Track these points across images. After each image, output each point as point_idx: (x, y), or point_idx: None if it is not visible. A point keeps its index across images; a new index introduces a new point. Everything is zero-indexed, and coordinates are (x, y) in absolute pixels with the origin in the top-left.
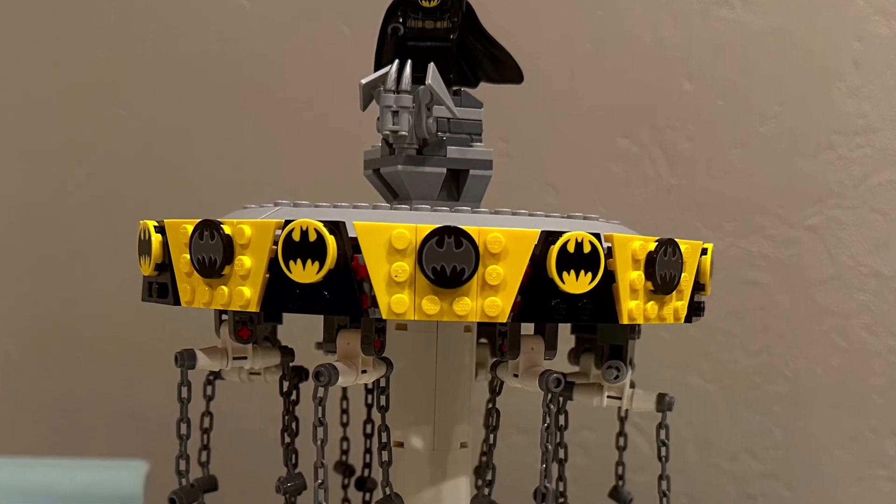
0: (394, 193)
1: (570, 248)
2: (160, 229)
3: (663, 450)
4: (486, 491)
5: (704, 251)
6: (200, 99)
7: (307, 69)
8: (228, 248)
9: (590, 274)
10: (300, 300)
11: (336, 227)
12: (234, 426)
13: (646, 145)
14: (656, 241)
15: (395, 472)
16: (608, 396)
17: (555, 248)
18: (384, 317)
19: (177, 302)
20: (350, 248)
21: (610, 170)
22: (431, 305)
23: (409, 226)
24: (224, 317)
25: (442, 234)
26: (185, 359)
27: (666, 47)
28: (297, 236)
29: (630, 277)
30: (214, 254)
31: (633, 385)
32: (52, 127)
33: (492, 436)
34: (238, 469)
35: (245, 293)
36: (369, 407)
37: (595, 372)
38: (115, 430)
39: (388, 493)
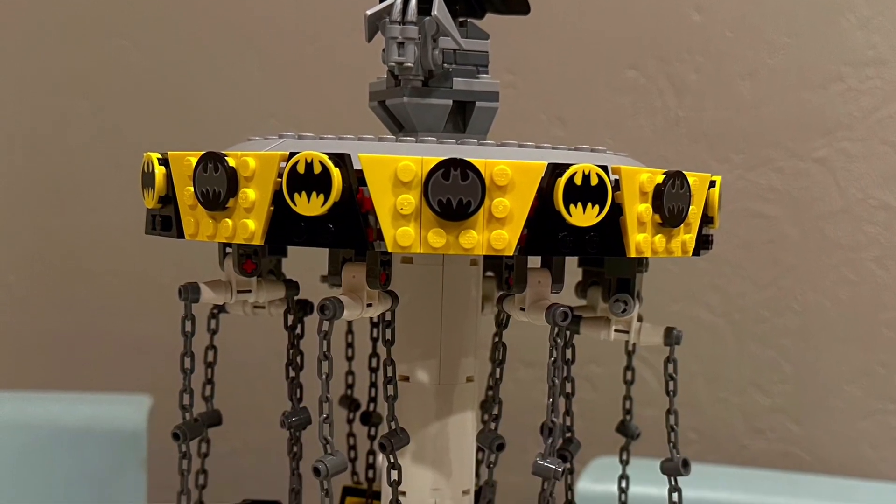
0: (399, 125)
1: (577, 180)
2: (164, 161)
3: (671, 384)
4: (493, 425)
5: (713, 184)
6: (204, 31)
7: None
8: (232, 181)
9: (597, 206)
10: (305, 233)
11: (341, 160)
12: (239, 360)
13: (654, 77)
14: (664, 173)
15: (400, 407)
16: (615, 330)
17: (562, 181)
18: (390, 250)
19: (180, 235)
20: (355, 180)
21: (617, 102)
22: (437, 238)
23: (415, 158)
24: (228, 250)
25: (448, 167)
26: (189, 292)
27: None
28: (301, 168)
29: (638, 210)
30: (218, 186)
31: (640, 319)
32: (55, 59)
33: (498, 370)
34: (242, 403)
35: (249, 226)
36: (374, 341)
37: (602, 305)
38: (118, 365)
39: (393, 427)
